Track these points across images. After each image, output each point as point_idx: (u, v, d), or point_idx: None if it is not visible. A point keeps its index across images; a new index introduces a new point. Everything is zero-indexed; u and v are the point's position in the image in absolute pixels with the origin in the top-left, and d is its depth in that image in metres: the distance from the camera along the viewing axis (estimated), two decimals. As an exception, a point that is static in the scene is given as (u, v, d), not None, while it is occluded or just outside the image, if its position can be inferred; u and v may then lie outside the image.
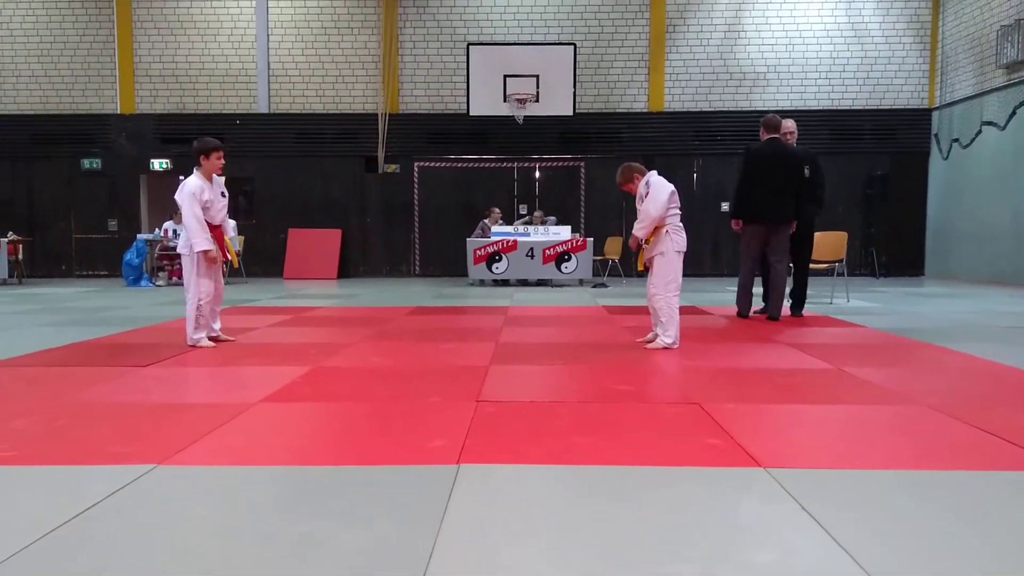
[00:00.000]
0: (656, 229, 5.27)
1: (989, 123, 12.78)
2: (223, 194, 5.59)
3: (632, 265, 5.57)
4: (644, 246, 5.38)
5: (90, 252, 15.28)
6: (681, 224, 5.33)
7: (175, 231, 12.50)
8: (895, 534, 2.05)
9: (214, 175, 5.51)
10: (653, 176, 5.31)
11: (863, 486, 2.43)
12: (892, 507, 2.24)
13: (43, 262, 15.16)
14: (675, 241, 5.27)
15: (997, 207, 12.53)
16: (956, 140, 13.78)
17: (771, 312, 7.01)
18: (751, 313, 7.17)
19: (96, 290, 11.49)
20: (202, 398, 3.96)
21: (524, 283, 12.73)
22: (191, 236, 5.34)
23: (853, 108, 14.74)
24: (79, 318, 7.49)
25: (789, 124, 7.17)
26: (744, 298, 7.17)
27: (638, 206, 5.37)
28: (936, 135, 14.51)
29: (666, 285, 5.27)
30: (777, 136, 6.96)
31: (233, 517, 2.20)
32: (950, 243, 14.03)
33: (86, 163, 15.16)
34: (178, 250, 5.61)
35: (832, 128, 14.62)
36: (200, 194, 5.34)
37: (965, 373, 4.41)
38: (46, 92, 15.16)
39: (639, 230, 5.29)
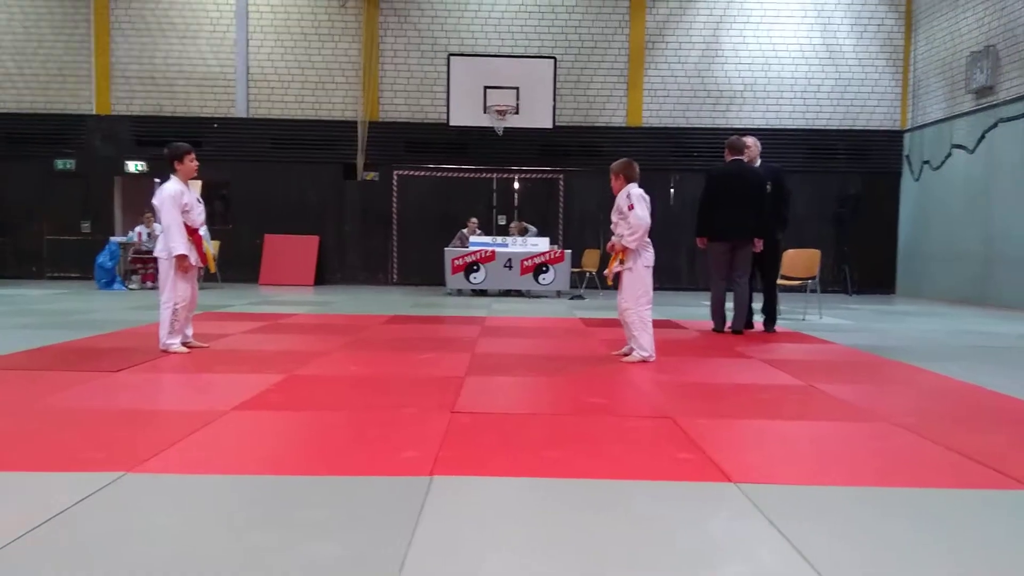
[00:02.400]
0: (626, 251, 5.31)
1: (959, 146, 13.06)
2: (199, 200, 5.58)
3: (607, 277, 5.59)
4: (613, 264, 5.42)
5: (62, 254, 15.04)
6: (649, 239, 5.37)
7: (149, 234, 12.37)
8: (862, 550, 2.08)
9: (190, 180, 5.53)
10: (634, 190, 5.32)
11: (831, 502, 2.46)
12: (859, 523, 2.28)
13: (14, 263, 14.90)
14: (644, 256, 5.34)
15: (967, 228, 12.78)
16: (927, 162, 14.05)
17: (734, 325, 7.21)
18: (726, 328, 7.28)
19: (68, 292, 11.32)
20: (173, 405, 3.91)
21: (507, 293, 12.73)
22: (169, 240, 5.31)
23: (827, 128, 14.97)
24: (50, 321, 7.37)
25: (748, 140, 7.34)
26: (718, 314, 7.31)
27: (613, 218, 5.41)
28: (908, 156, 14.78)
29: (636, 299, 5.33)
30: (740, 157, 7.18)
31: (201, 527, 2.18)
32: (921, 262, 14.28)
33: (60, 163, 14.95)
34: (155, 253, 5.57)
35: (806, 147, 14.85)
36: (180, 197, 5.34)
37: (933, 392, 4.49)
38: (20, 91, 14.95)
39: (631, 242, 5.25)
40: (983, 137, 12.38)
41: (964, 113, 12.94)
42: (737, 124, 14.60)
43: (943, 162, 13.52)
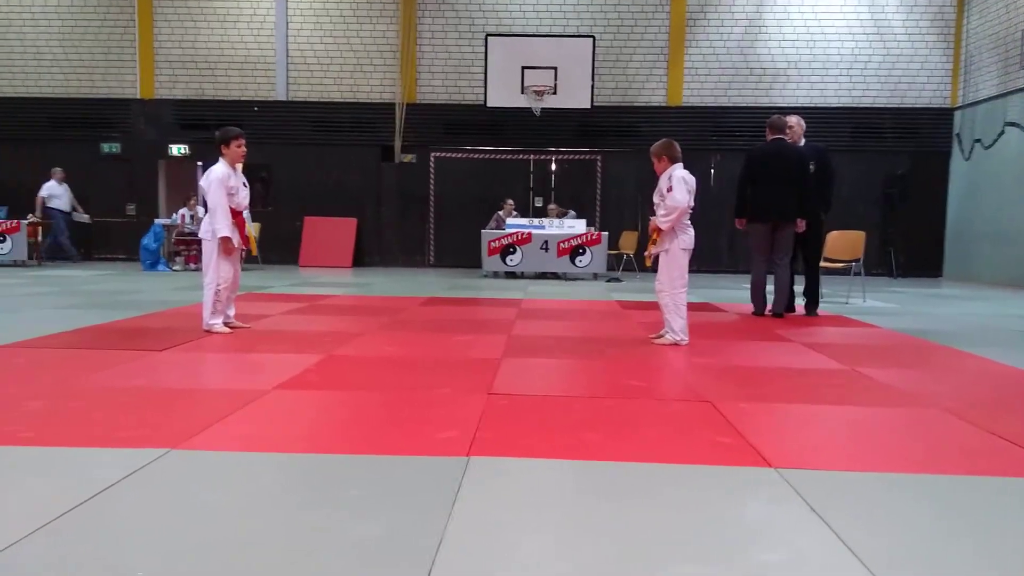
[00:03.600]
0: (664, 232, 5.25)
1: (1012, 124, 12.62)
2: (244, 184, 5.63)
3: (645, 259, 5.55)
4: (651, 246, 5.37)
5: (108, 235, 15.41)
6: (689, 222, 5.29)
7: (192, 216, 12.59)
8: (904, 538, 2.04)
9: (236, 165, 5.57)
10: (677, 172, 5.23)
11: (873, 488, 2.41)
12: (902, 511, 2.23)
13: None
14: (681, 239, 5.26)
15: (1018, 209, 12.38)
16: (978, 140, 13.62)
17: (775, 309, 7.09)
18: (766, 312, 7.17)
19: (113, 273, 11.60)
20: (216, 384, 3.99)
21: (543, 275, 12.72)
22: (215, 222, 5.38)
23: (874, 106, 14.59)
24: (96, 301, 7.56)
25: (792, 120, 7.20)
26: (758, 297, 7.20)
27: (655, 199, 5.34)
28: (958, 135, 14.34)
29: (672, 282, 5.27)
30: (782, 137, 7.03)
31: (244, 504, 2.22)
32: (969, 244, 13.89)
33: (106, 147, 15.27)
34: (200, 235, 5.66)
35: (852, 126, 14.50)
36: (226, 180, 5.40)
37: (980, 377, 4.37)
38: (67, 76, 15.28)
39: (664, 222, 5.21)
40: (1038, 114, 11.95)
41: (1019, 89, 12.49)
42: (780, 103, 14.30)
43: (995, 140, 13.09)
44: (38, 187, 14.88)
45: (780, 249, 6.99)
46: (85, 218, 13.80)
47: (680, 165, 5.27)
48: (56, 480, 2.38)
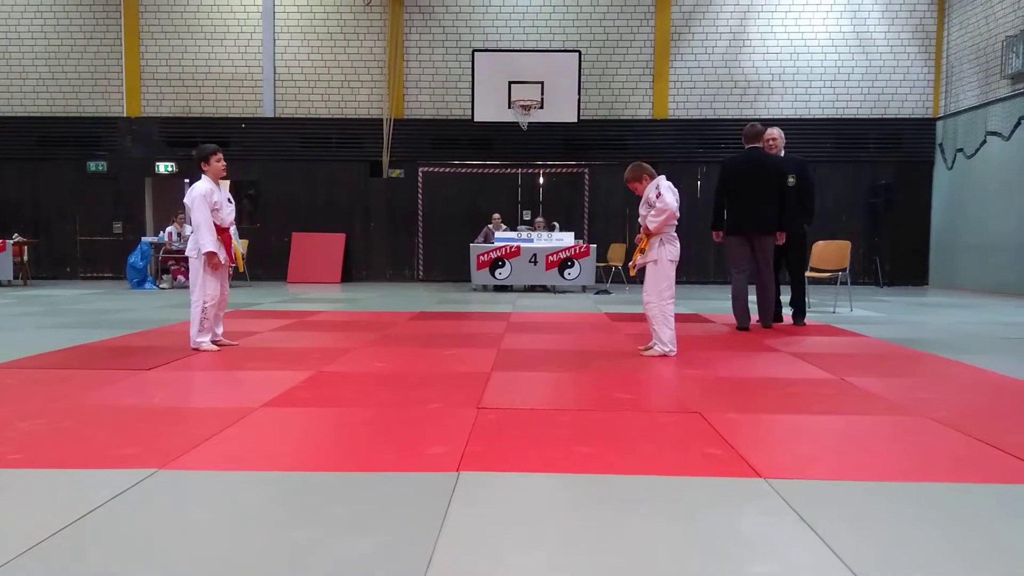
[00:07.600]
0: (650, 237, 5.29)
1: (994, 133, 12.78)
2: (229, 200, 5.64)
3: (629, 269, 5.57)
4: (637, 256, 5.41)
5: (95, 254, 15.34)
6: (675, 234, 5.33)
7: (179, 234, 12.54)
8: (895, 547, 2.05)
9: (219, 180, 5.60)
10: (663, 181, 5.29)
11: (864, 498, 2.42)
12: (892, 520, 2.24)
13: (48, 263, 15.21)
14: (668, 250, 5.30)
15: (1001, 217, 12.52)
16: (960, 150, 13.78)
17: (762, 322, 7.04)
18: (750, 325, 7.05)
19: (100, 292, 11.52)
20: (204, 402, 3.97)
21: (532, 289, 12.74)
22: (199, 238, 5.38)
23: (857, 117, 14.75)
24: (83, 320, 7.51)
25: (773, 132, 7.15)
26: (741, 311, 6.92)
27: (641, 211, 5.37)
28: (940, 145, 14.50)
29: (660, 293, 5.29)
30: (757, 146, 6.88)
31: (233, 523, 2.20)
32: (954, 253, 14.02)
33: (92, 166, 15.23)
34: (186, 252, 5.65)
35: (836, 137, 14.64)
36: (210, 196, 5.41)
37: (968, 385, 4.40)
38: (53, 95, 15.24)
39: (654, 223, 5.23)
40: (1019, 123, 12.11)
41: (999, 99, 12.67)
42: (765, 114, 14.43)
43: (977, 150, 13.25)
44: (24, 206, 14.83)
45: (763, 262, 6.85)
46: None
47: (663, 177, 5.34)
48: (45, 501, 2.36)
